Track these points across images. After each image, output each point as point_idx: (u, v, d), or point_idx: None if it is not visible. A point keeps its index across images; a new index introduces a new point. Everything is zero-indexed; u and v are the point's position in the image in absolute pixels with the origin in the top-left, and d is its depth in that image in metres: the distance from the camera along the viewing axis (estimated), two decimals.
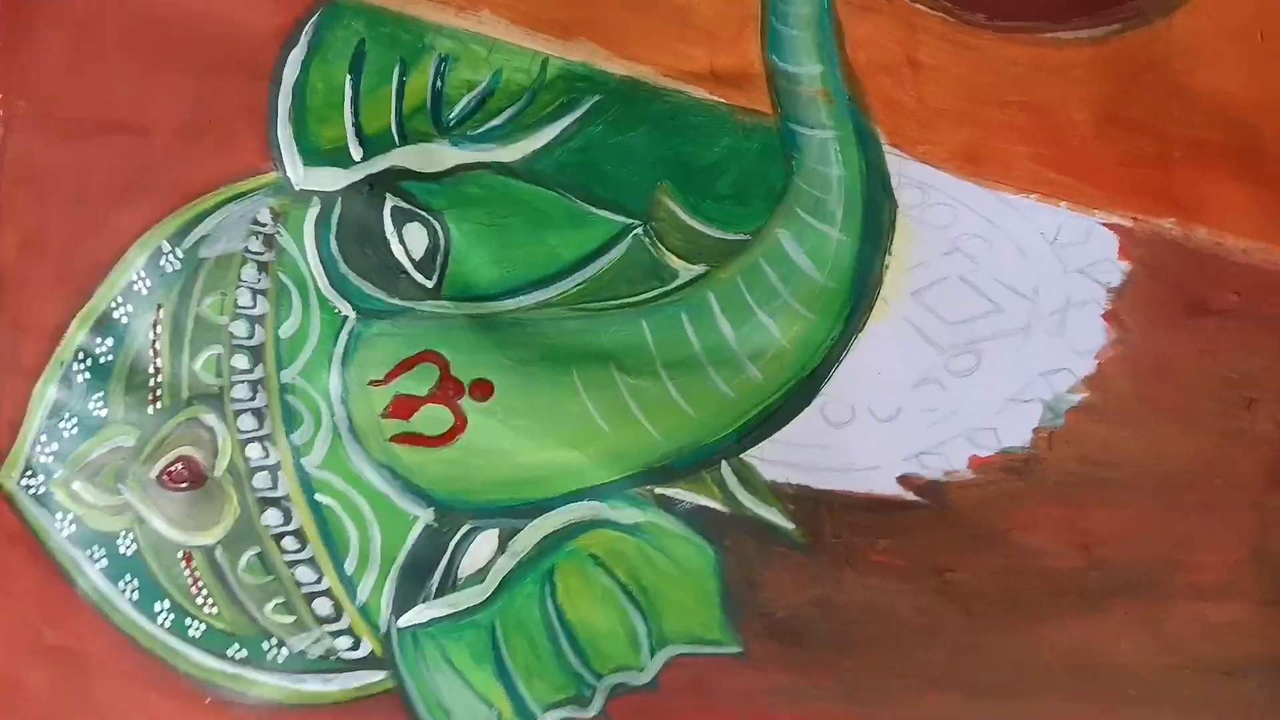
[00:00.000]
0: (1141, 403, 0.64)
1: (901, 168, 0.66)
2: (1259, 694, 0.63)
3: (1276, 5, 0.63)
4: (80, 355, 0.67)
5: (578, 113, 0.67)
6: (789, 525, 0.65)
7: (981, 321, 0.65)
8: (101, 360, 0.67)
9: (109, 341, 0.67)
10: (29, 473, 0.67)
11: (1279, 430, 0.63)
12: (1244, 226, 0.64)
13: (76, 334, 0.67)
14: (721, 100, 0.67)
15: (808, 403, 0.65)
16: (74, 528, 0.67)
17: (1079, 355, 0.64)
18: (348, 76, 0.68)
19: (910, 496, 0.65)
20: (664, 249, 0.67)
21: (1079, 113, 0.65)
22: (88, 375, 0.67)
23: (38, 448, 0.67)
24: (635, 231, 0.67)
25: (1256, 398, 0.63)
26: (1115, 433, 0.64)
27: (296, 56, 0.68)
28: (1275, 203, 0.64)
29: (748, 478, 0.66)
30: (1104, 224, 0.65)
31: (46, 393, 0.67)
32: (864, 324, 0.65)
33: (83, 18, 0.68)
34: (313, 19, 0.68)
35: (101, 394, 0.67)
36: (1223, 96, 0.64)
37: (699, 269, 0.66)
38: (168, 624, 0.66)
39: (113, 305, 0.67)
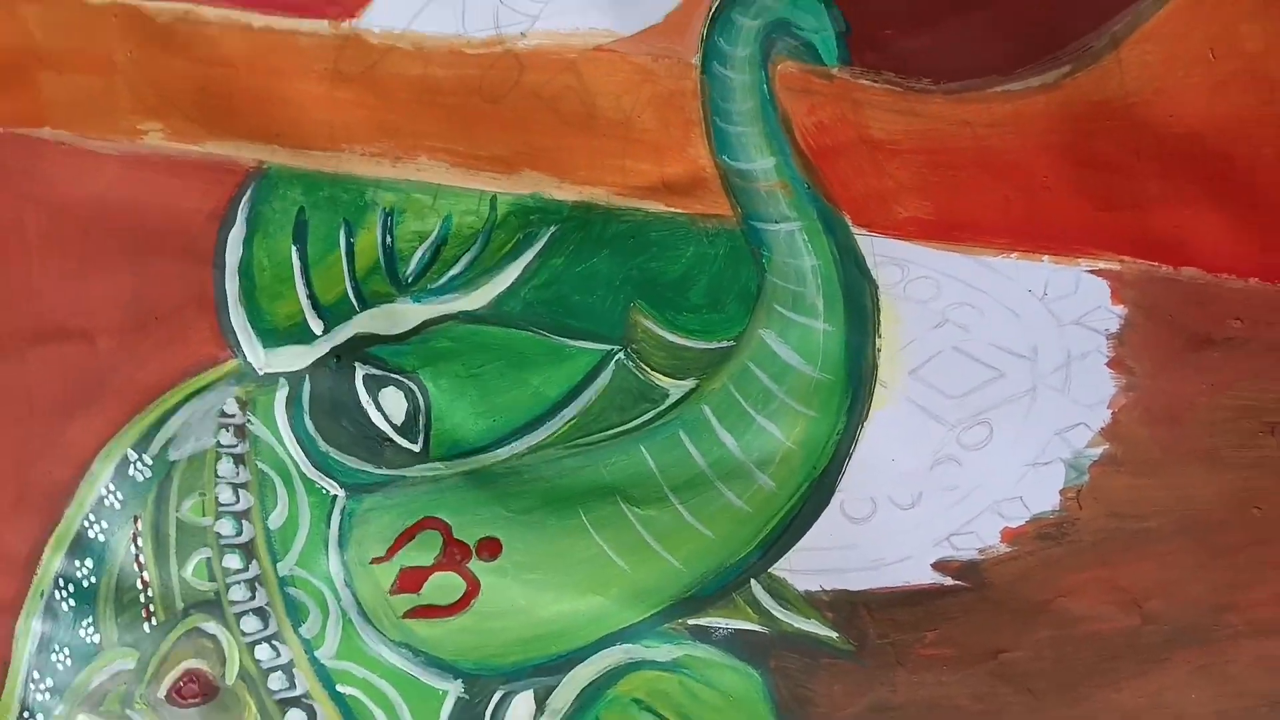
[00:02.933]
0: (1162, 447, 0.62)
1: (874, 246, 0.64)
2: None
3: (1223, 23, 0.62)
4: (60, 582, 0.64)
5: (536, 247, 0.65)
6: (832, 634, 0.63)
7: (986, 390, 0.64)
8: (84, 584, 0.64)
9: (89, 563, 0.64)
10: (26, 714, 0.64)
11: None
12: (1229, 255, 0.62)
13: (52, 560, 0.64)
14: (679, 210, 0.65)
15: (826, 503, 0.63)
16: None
17: (1090, 408, 0.63)
18: (293, 248, 0.65)
19: (949, 581, 0.63)
20: (649, 369, 0.65)
21: (1043, 163, 0.63)
22: (72, 602, 0.64)
23: (30, 686, 0.64)
24: (617, 357, 0.65)
25: (1279, 422, 0.62)
26: (1141, 482, 0.62)
27: (236, 236, 0.65)
28: (1256, 225, 0.63)
29: (780, 592, 0.63)
30: (1091, 271, 0.63)
31: (31, 627, 0.64)
32: (867, 412, 0.64)
33: None
34: (246, 195, 0.65)
35: (90, 618, 0.64)
36: (1187, 123, 0.62)
37: (688, 384, 0.64)
38: None
39: (85, 524, 0.64)
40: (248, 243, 0.65)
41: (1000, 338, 0.64)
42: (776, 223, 0.64)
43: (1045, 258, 0.63)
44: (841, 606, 0.63)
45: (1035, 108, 0.63)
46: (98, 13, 0.66)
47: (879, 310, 0.64)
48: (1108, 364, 0.63)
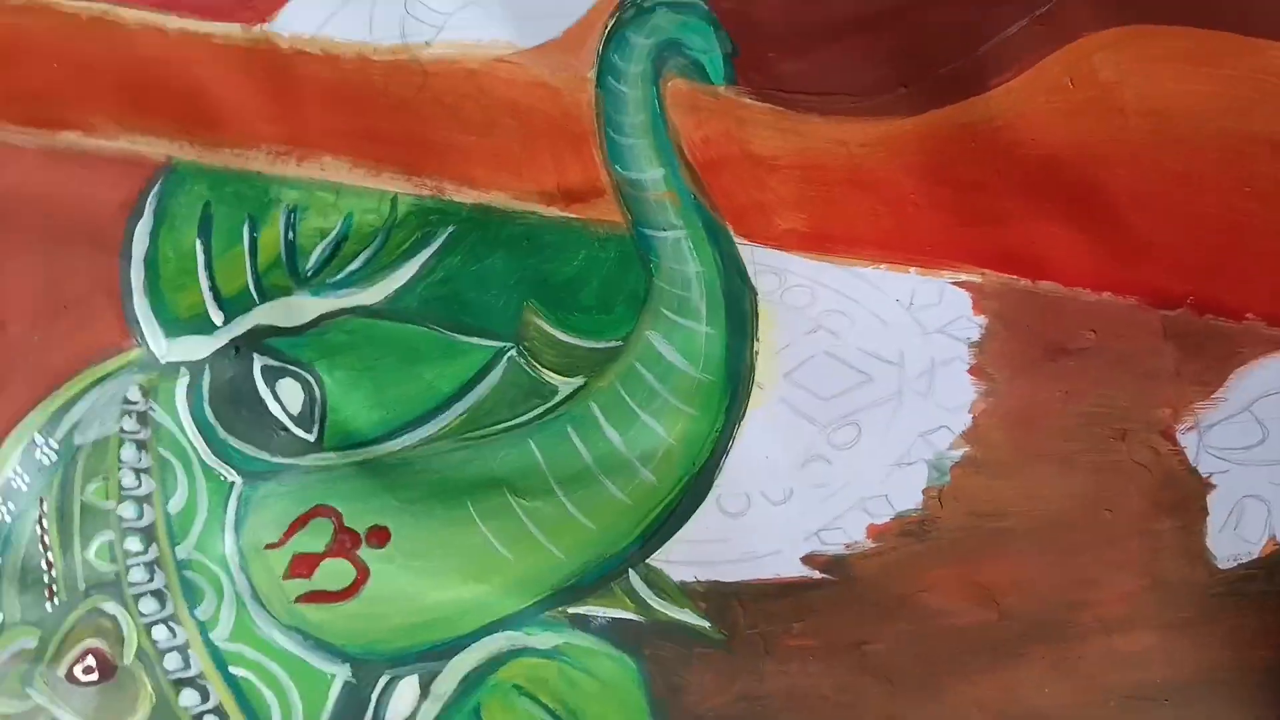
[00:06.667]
0: (1017, 450, 0.65)
1: (754, 256, 0.67)
2: (1181, 715, 0.64)
3: (1080, 54, 0.65)
4: None
5: (434, 246, 0.67)
6: (704, 624, 0.65)
7: (855, 393, 0.66)
8: None
9: None
10: None
11: (1156, 456, 0.65)
12: (1084, 271, 0.65)
13: None
14: (573, 216, 0.67)
15: (703, 498, 0.66)
16: None
17: (952, 412, 0.66)
18: (198, 241, 0.67)
19: (816, 575, 0.65)
20: (539, 366, 0.67)
21: (911, 182, 0.66)
22: None
23: None
24: (509, 354, 0.67)
25: (1128, 428, 0.65)
26: (998, 483, 0.65)
27: (144, 228, 0.67)
28: (1109, 243, 0.65)
29: (657, 583, 0.66)
30: (954, 283, 0.66)
31: None
32: (744, 412, 0.66)
33: None
34: (155, 189, 0.67)
35: None
36: (1046, 146, 0.65)
37: (577, 381, 0.67)
38: None
39: None
40: (154, 235, 0.67)
41: (869, 344, 0.67)
42: (664, 230, 0.67)
43: (912, 269, 0.66)
44: (714, 597, 0.65)
45: (904, 129, 0.66)
46: (17, 11, 0.68)
47: (757, 316, 0.67)
48: (969, 371, 0.66)
